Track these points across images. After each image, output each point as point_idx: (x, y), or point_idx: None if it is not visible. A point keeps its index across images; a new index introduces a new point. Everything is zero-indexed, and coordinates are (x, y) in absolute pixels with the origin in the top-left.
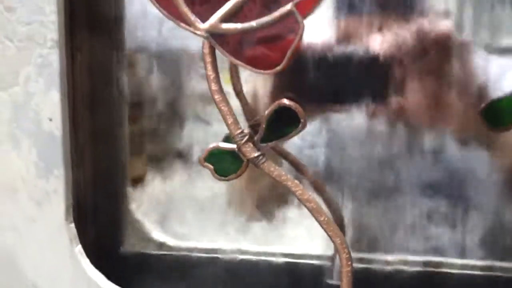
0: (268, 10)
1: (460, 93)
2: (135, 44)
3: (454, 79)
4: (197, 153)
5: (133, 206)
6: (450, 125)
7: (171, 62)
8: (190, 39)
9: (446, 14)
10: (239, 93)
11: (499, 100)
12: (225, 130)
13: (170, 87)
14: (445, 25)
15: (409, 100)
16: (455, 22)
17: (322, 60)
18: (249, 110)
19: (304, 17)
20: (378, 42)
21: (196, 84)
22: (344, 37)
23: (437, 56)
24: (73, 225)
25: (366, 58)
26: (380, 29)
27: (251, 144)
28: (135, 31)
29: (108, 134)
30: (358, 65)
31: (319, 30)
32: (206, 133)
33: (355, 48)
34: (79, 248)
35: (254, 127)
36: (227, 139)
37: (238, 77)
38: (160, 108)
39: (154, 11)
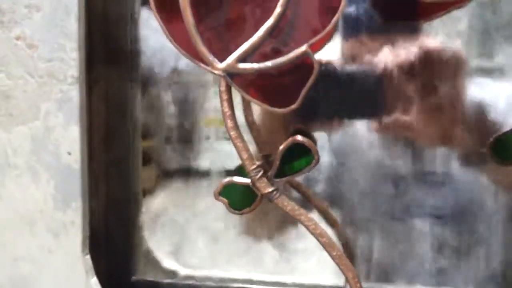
0: (284, 50)
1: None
2: (150, 77)
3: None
4: (210, 184)
5: (145, 235)
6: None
7: (185, 95)
8: (206, 74)
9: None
10: (251, 124)
11: (506, 134)
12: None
13: (184, 119)
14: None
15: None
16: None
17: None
18: (261, 141)
19: (314, 53)
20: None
21: (211, 116)
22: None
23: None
24: (89, 256)
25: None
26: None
27: (265, 179)
28: (151, 64)
29: (122, 165)
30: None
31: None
32: (221, 165)
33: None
34: (94, 280)
35: (266, 158)
36: (239, 169)
37: (250, 109)
38: (174, 139)
39: (170, 45)
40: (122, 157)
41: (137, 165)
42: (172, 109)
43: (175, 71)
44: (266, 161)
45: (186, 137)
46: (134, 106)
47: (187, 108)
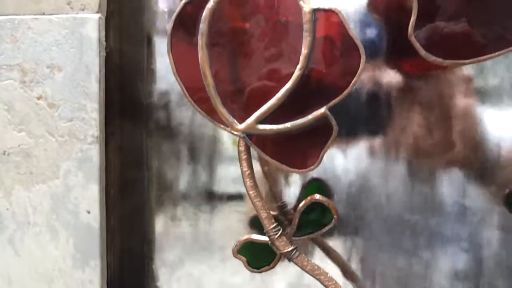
0: (303, 112)
1: None
2: (165, 129)
3: None
4: (225, 239)
5: (159, 286)
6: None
7: (200, 148)
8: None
9: None
10: (266, 175)
11: None
12: None
13: (199, 170)
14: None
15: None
16: None
17: None
18: (276, 192)
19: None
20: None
21: (226, 168)
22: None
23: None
24: None
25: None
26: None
27: (284, 238)
28: (165, 117)
29: (136, 215)
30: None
31: None
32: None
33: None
34: None
35: (281, 208)
36: (253, 221)
37: (266, 160)
38: (190, 191)
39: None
40: (137, 208)
41: (151, 214)
42: (187, 160)
43: (190, 123)
44: (281, 211)
45: (201, 189)
46: (149, 157)
47: (201, 159)
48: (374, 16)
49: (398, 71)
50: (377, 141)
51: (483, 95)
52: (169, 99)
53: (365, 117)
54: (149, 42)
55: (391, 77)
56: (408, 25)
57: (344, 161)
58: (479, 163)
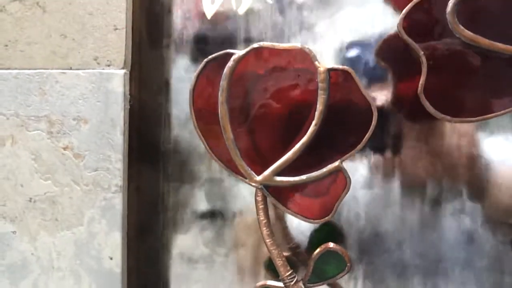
0: (318, 165)
1: None
2: (182, 175)
3: None
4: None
5: None
6: None
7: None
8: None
9: None
10: (280, 218)
11: None
12: None
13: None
14: None
15: None
16: None
17: None
18: (288, 233)
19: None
20: None
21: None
22: None
23: None
24: None
25: None
26: None
27: (300, 284)
28: (183, 163)
29: (153, 256)
30: None
31: None
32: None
33: None
34: None
35: (294, 250)
36: (268, 264)
37: None
38: (207, 235)
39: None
40: (154, 249)
41: (168, 256)
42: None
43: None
44: (294, 252)
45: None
46: (166, 201)
47: (217, 204)
48: (381, 65)
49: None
50: (388, 186)
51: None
52: (187, 146)
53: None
54: (168, 91)
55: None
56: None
57: (355, 206)
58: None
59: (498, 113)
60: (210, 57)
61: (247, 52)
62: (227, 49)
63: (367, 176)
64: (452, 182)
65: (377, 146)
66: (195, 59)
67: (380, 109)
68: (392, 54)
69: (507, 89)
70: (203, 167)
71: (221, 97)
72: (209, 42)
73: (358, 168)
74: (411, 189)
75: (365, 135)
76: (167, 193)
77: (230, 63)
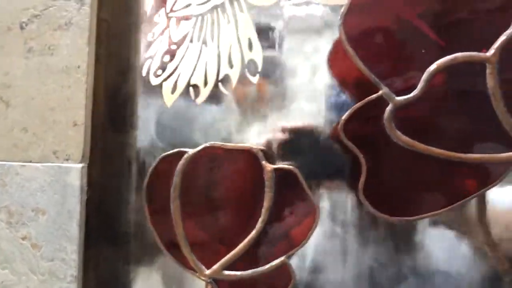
0: (265, 259)
1: None
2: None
3: None
4: None
5: None
6: None
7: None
8: None
9: None
10: None
11: None
12: None
13: None
14: None
15: None
16: None
17: None
18: None
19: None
20: None
21: None
22: None
23: None
24: None
25: None
26: None
27: None
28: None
29: None
30: None
31: None
32: None
33: None
34: None
35: None
36: None
37: None
38: None
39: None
40: None
41: None
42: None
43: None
44: None
45: None
46: (127, 283)
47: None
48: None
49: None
50: None
51: None
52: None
53: None
54: (129, 175)
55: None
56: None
57: None
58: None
59: (435, 212)
60: (163, 154)
61: (199, 151)
62: (185, 138)
63: None
64: None
65: None
66: (156, 146)
67: None
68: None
69: (443, 189)
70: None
71: (174, 193)
72: (168, 131)
73: None
74: None
75: (308, 234)
76: (126, 276)
77: (182, 161)
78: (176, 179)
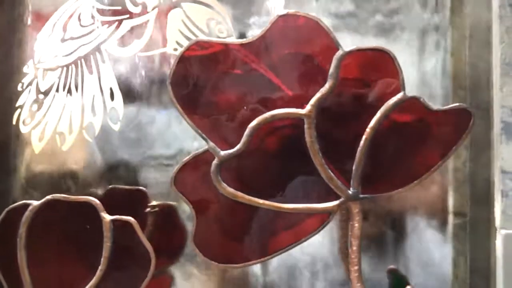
0: None
1: None
2: None
3: None
4: None
5: None
6: None
7: None
8: None
9: None
10: None
11: None
12: None
13: None
14: None
15: None
16: None
17: None
18: None
19: None
20: None
21: None
22: None
23: None
24: None
25: None
26: None
27: None
28: None
29: None
30: None
31: None
32: None
33: None
34: None
35: None
36: None
37: None
38: None
39: None
40: None
41: None
42: None
43: None
44: None
45: None
46: None
47: None
48: None
49: None
50: None
51: None
52: None
53: None
54: None
55: None
56: None
57: None
58: None
59: (258, 260)
60: (10, 207)
61: (42, 203)
62: (51, 182)
63: None
64: None
65: None
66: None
67: None
68: None
69: (263, 240)
70: None
71: (19, 244)
72: (37, 175)
73: None
74: None
75: (143, 282)
76: None
77: (26, 213)
78: (21, 230)
